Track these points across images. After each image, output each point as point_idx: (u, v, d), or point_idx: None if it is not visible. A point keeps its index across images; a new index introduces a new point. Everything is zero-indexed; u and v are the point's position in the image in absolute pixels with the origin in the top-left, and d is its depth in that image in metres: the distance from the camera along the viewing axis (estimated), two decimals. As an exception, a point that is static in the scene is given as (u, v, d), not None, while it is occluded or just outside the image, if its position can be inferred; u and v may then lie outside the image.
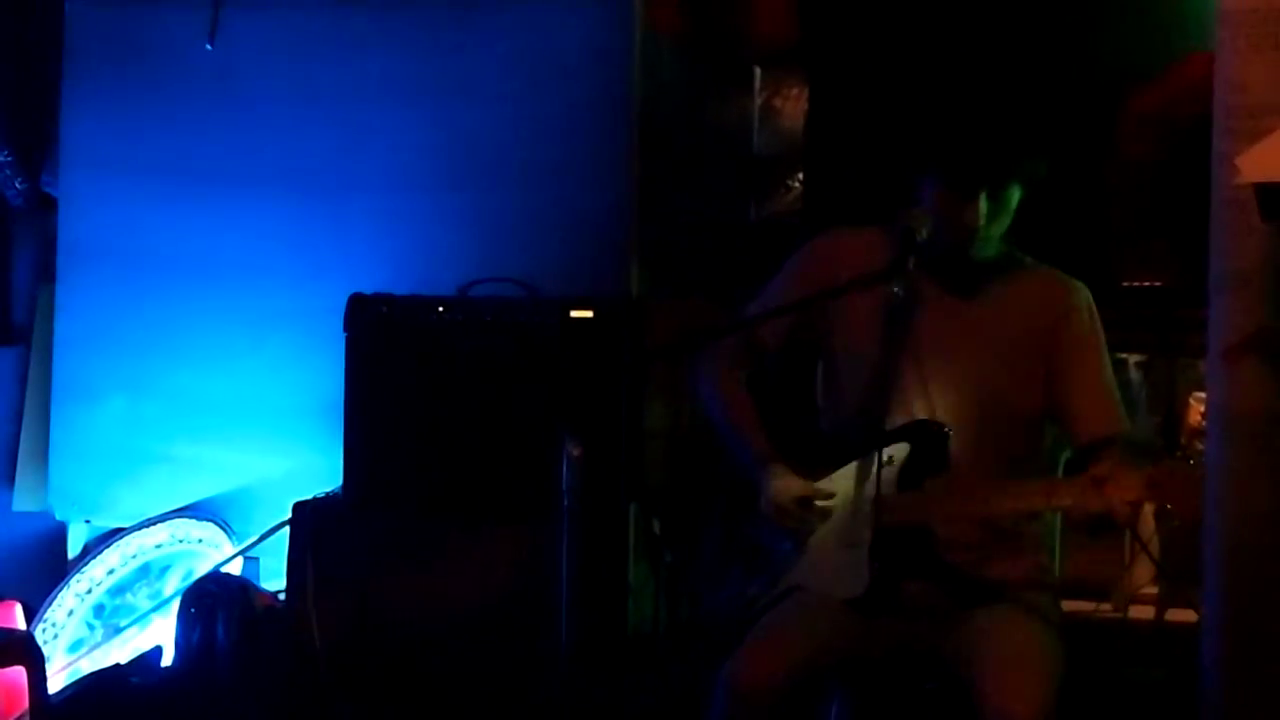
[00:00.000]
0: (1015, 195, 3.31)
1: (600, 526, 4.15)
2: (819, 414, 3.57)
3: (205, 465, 5.21)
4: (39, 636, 4.83)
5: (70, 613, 5.07)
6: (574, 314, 4.41)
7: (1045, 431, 3.44)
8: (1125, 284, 4.46)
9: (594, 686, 3.87)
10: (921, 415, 3.35)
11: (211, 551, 5.13)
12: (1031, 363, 3.37)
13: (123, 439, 5.27)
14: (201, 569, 5.04)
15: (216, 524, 5.17)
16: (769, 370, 3.65)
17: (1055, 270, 3.46)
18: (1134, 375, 4.69)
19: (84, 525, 5.33)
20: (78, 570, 5.13)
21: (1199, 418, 4.46)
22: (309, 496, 4.60)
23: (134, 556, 5.14)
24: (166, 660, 4.62)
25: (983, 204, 3.27)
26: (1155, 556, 4.20)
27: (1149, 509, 3.89)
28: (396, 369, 4.49)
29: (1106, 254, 4.58)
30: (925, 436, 3.31)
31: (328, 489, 4.64)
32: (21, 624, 4.90)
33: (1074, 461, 3.41)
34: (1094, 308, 3.43)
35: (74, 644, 5.05)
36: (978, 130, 3.30)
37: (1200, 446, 3.93)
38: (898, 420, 3.34)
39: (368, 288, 4.59)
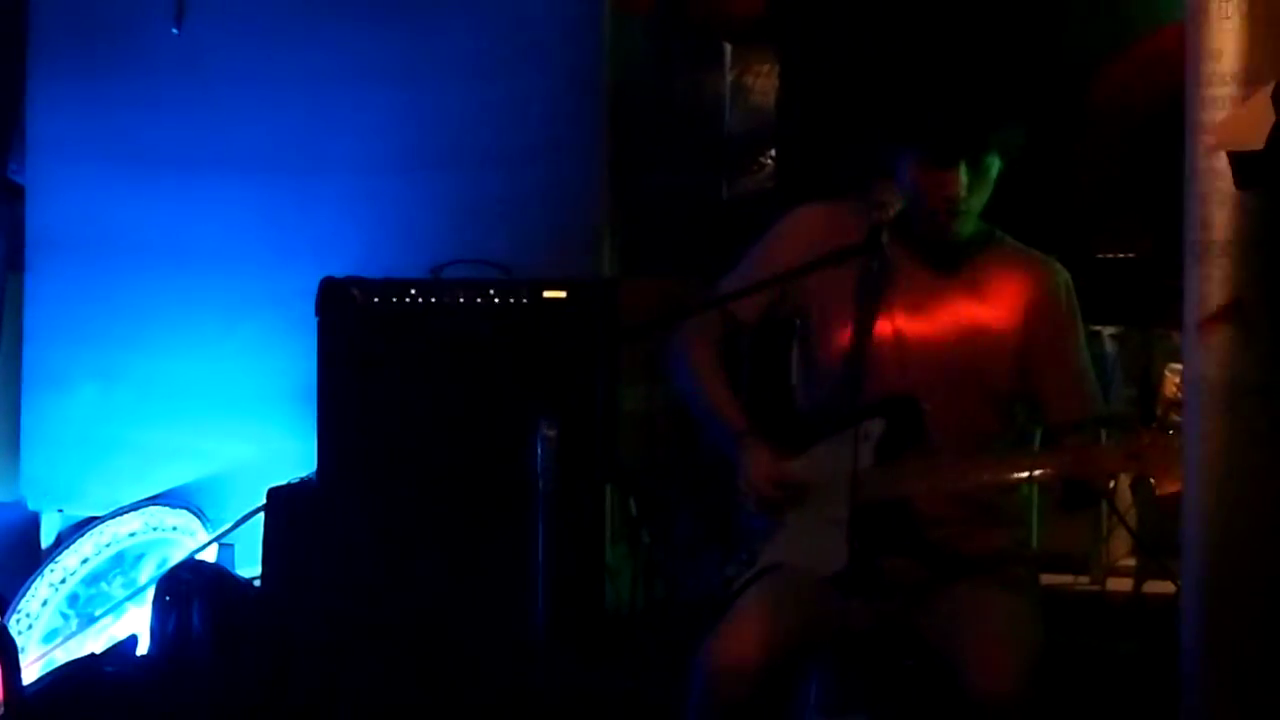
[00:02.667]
0: (994, 166, 3.30)
1: (576, 508, 4.14)
2: (795, 392, 3.56)
3: (178, 452, 5.19)
4: (13, 627, 4.82)
5: (44, 603, 5.05)
6: (547, 294, 4.40)
7: (1017, 410, 3.44)
8: (1099, 255, 4.45)
9: (572, 668, 3.86)
10: (897, 391, 3.33)
11: (186, 539, 5.11)
12: (1007, 342, 3.36)
13: (94, 427, 5.25)
14: (176, 557, 5.02)
15: (190, 511, 5.15)
16: (744, 350, 3.63)
17: (1034, 251, 3.45)
18: (1109, 347, 4.69)
19: (57, 514, 5.31)
20: (51, 560, 5.11)
21: (1175, 389, 4.45)
22: (283, 482, 4.58)
23: (108, 545, 5.12)
24: (142, 649, 4.61)
25: (963, 174, 3.26)
26: (1133, 529, 4.20)
27: (1126, 481, 3.90)
28: (369, 352, 4.48)
29: (1079, 226, 4.58)
30: (901, 411, 3.30)
31: (302, 474, 4.62)
32: (-5, 615, 4.88)
33: (1046, 439, 3.41)
34: (1072, 289, 3.42)
35: (48, 634, 5.03)
36: (955, 98, 3.29)
37: (1177, 418, 3.91)
38: (873, 396, 3.33)
39: (339, 271, 4.57)
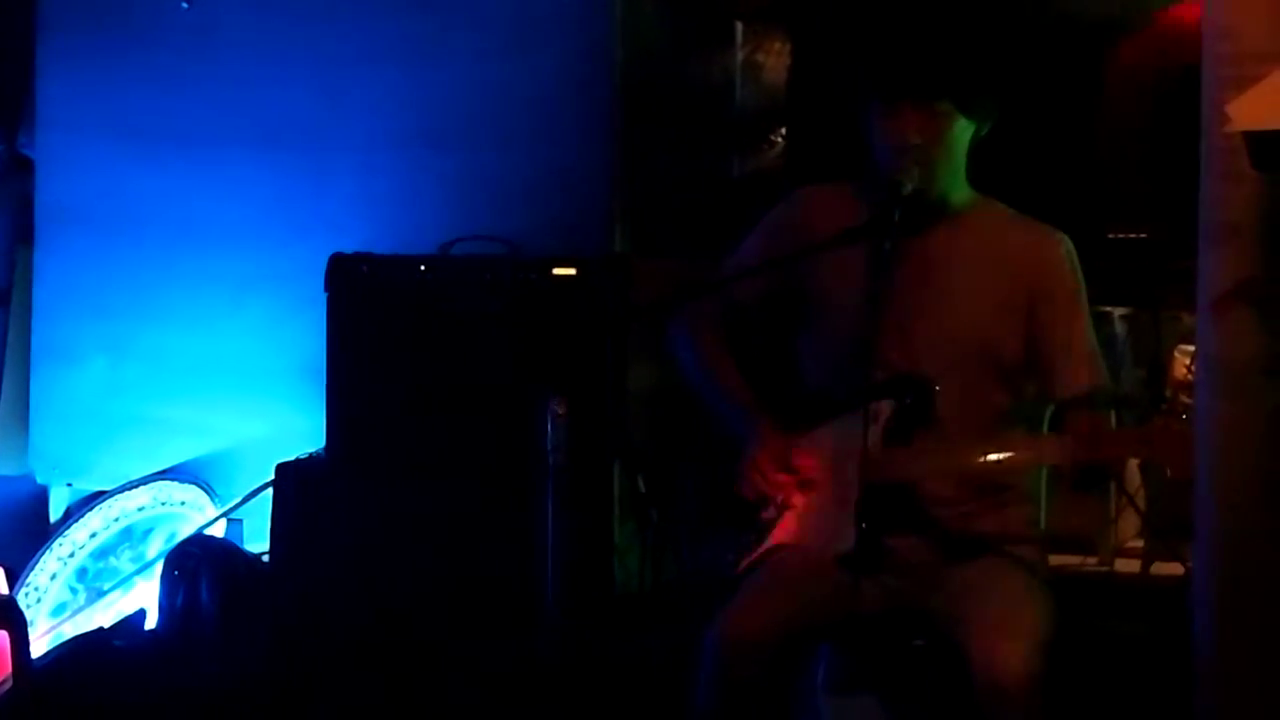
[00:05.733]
0: (954, 119, 3.26)
1: (585, 485, 4.14)
2: (799, 371, 3.55)
3: (187, 427, 5.19)
4: (21, 601, 4.83)
5: (53, 576, 5.05)
6: (557, 272, 4.39)
7: (1026, 385, 3.42)
8: (1110, 236, 4.43)
9: (580, 645, 3.87)
10: (903, 369, 3.32)
11: (194, 514, 5.12)
12: (1012, 314, 3.34)
13: (103, 401, 5.25)
14: (184, 531, 5.03)
15: (199, 486, 5.16)
16: (750, 329, 3.62)
17: (1036, 220, 3.43)
18: (1119, 328, 4.66)
19: (65, 488, 5.32)
20: (60, 534, 5.12)
21: (1184, 371, 4.45)
22: (292, 458, 4.58)
23: (116, 519, 5.13)
24: (150, 623, 4.61)
25: (911, 117, 3.24)
26: (1142, 510, 4.19)
27: (1135, 462, 3.89)
28: (378, 328, 4.48)
29: (1092, 205, 4.56)
30: (911, 391, 3.29)
31: (310, 450, 4.62)
32: (4, 588, 4.89)
33: (1057, 416, 3.40)
34: (1076, 259, 3.40)
35: (57, 608, 5.04)
36: (905, 37, 3.27)
37: (1186, 400, 3.91)
38: (879, 375, 3.31)
39: (348, 247, 4.56)
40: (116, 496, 5.15)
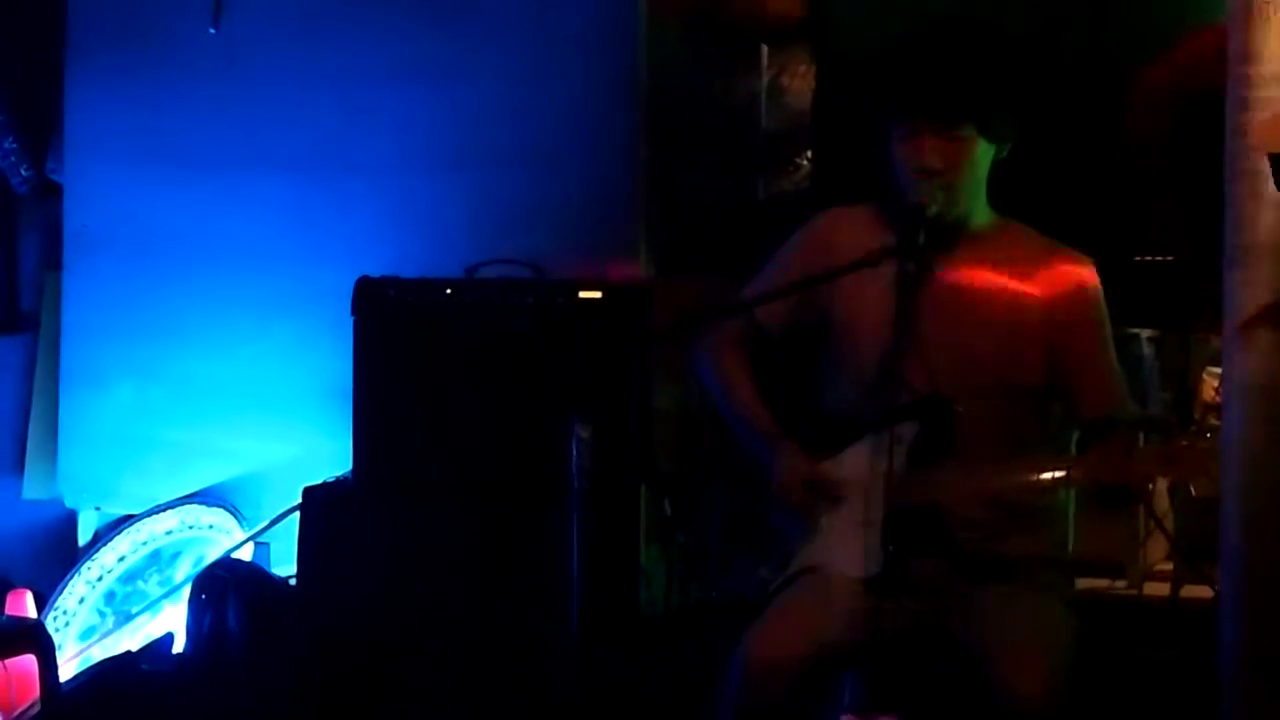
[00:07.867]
0: (978, 145, 3.26)
1: (611, 508, 4.14)
2: (821, 393, 3.54)
3: (214, 451, 5.20)
4: (50, 624, 4.84)
5: (81, 600, 5.07)
6: (582, 295, 4.39)
7: (1051, 408, 3.41)
8: (1137, 258, 4.42)
9: (606, 668, 3.86)
10: (926, 392, 3.32)
11: (222, 537, 5.13)
12: (1034, 336, 3.34)
13: (131, 425, 5.26)
14: (212, 555, 5.04)
15: (227, 510, 5.16)
16: (775, 351, 3.62)
17: (1058, 243, 3.43)
18: (1146, 350, 4.65)
19: (94, 512, 5.33)
20: (88, 557, 5.13)
21: (1213, 393, 4.43)
22: (319, 481, 4.59)
23: (144, 543, 5.14)
24: (178, 647, 4.62)
25: (932, 142, 3.23)
26: (1170, 533, 4.17)
27: (1164, 484, 3.87)
28: (404, 351, 4.48)
29: (1118, 228, 4.55)
30: (935, 414, 3.29)
31: (337, 473, 4.63)
32: (32, 612, 4.90)
33: (1082, 439, 3.39)
34: (1098, 280, 3.39)
35: (85, 631, 5.05)
36: (925, 62, 3.27)
37: (1214, 422, 3.89)
38: (902, 398, 3.31)
39: (375, 270, 4.57)
40: (144, 520, 5.16)
